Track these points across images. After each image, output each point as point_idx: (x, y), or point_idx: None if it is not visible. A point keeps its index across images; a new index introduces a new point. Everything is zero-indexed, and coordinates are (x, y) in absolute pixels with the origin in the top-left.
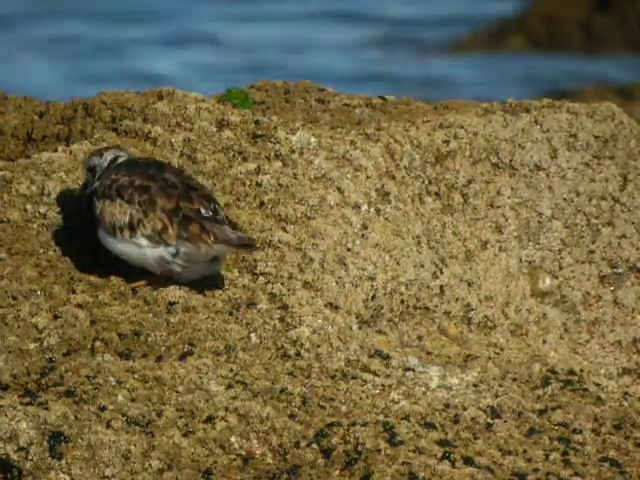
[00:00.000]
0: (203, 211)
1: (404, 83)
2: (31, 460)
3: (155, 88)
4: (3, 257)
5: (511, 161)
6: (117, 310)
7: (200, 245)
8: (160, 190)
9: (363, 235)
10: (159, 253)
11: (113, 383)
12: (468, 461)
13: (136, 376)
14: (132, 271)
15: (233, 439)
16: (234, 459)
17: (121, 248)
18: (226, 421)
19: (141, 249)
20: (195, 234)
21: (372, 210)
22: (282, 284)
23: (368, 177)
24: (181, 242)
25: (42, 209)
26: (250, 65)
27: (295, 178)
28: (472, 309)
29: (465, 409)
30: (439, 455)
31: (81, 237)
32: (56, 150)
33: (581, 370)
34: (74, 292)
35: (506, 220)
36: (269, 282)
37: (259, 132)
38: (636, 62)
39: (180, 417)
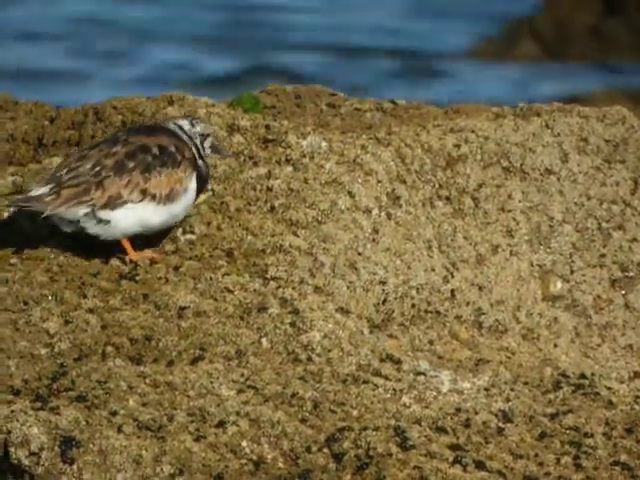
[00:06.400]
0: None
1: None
2: (42, 465)
3: (166, 93)
4: (14, 262)
5: (522, 165)
6: (128, 315)
7: None
8: None
9: (374, 239)
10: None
11: (124, 388)
12: (480, 465)
13: (147, 381)
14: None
15: (244, 444)
16: (245, 464)
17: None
18: (237, 426)
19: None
20: None
21: (383, 214)
22: (293, 289)
23: (379, 181)
24: None
25: None
26: None
27: (306, 182)
28: (483, 313)
29: (476, 413)
30: (451, 459)
31: (91, 242)
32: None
33: (592, 374)
34: (85, 297)
35: (517, 224)
36: (280, 287)
37: (270, 137)
38: None
39: (191, 422)
